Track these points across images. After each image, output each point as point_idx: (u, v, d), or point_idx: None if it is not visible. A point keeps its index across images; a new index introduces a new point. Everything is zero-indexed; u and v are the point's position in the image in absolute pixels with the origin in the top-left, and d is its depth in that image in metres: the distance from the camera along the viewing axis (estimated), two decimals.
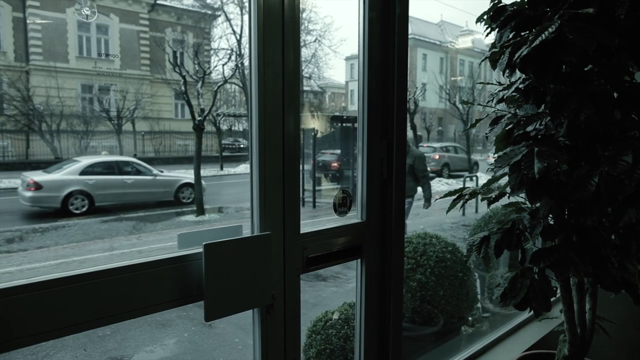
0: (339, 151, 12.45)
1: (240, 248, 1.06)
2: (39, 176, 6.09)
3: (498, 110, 1.44)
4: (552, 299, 1.36)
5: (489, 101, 1.48)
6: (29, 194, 5.82)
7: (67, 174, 6.25)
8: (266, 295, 1.13)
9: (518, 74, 1.31)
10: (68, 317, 0.86)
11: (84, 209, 6.08)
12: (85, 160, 6.86)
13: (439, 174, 16.32)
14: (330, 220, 1.37)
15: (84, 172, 6.32)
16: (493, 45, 1.39)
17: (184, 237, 1.20)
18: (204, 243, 0.99)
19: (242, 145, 15.83)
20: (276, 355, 1.19)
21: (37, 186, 5.91)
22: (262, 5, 1.06)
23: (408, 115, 14.78)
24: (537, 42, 1.10)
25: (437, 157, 16.86)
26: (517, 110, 1.39)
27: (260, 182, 1.11)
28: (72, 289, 0.86)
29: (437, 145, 18.18)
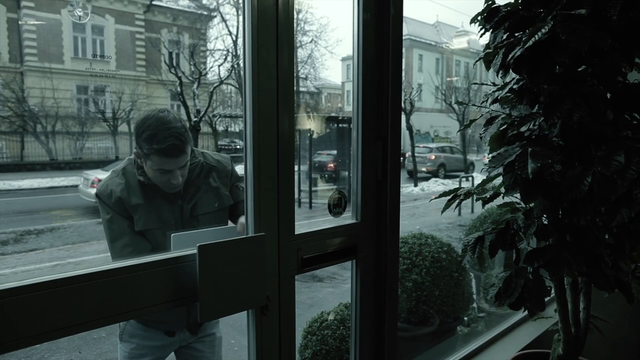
0: (335, 152, 12.47)
1: (235, 249, 1.06)
2: (101, 174, 6.50)
3: (492, 110, 1.44)
4: (547, 299, 1.36)
5: (483, 102, 1.49)
6: (93, 190, 6.23)
7: None
8: (261, 296, 1.12)
9: (512, 74, 1.31)
10: (62, 320, 0.86)
11: None
12: None
13: (435, 174, 16.39)
14: (326, 221, 1.37)
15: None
16: (487, 46, 1.39)
17: (179, 238, 1.20)
18: (197, 244, 0.99)
19: (238, 147, 15.83)
20: (271, 357, 1.19)
21: None
22: (256, 6, 1.06)
23: (404, 116, 14.79)
24: (530, 42, 1.10)
25: (433, 157, 16.92)
26: (511, 111, 1.39)
27: (255, 183, 1.11)
28: (66, 291, 0.86)
29: (433, 145, 18.24)
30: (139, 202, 1.52)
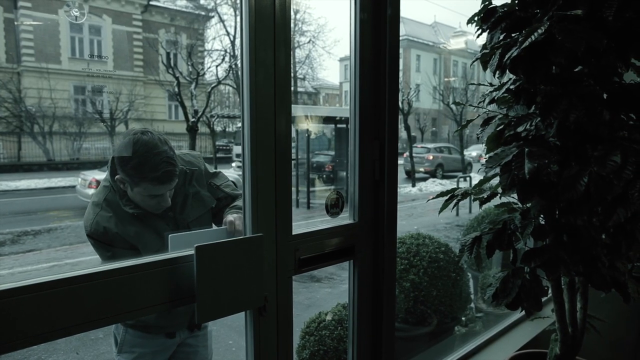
0: (332, 152, 12.47)
1: (232, 250, 1.06)
2: (99, 175, 6.63)
3: (489, 111, 1.44)
4: (544, 299, 1.36)
5: (480, 102, 1.49)
6: (91, 191, 6.30)
7: None
8: (258, 297, 1.12)
9: (509, 75, 1.31)
10: (59, 321, 0.86)
11: None
12: None
13: (433, 174, 16.41)
14: (323, 222, 1.37)
15: None
16: (484, 46, 1.39)
17: (176, 238, 1.19)
18: (195, 245, 0.99)
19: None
20: (269, 357, 1.19)
21: (98, 184, 6.61)
22: (253, 5, 1.06)
23: (402, 116, 14.77)
24: (526, 43, 1.11)
25: (431, 157, 16.94)
26: (508, 111, 1.39)
27: (252, 183, 1.11)
28: (64, 292, 0.85)
29: (431, 146, 18.26)
30: (137, 229, 1.44)
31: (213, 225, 1.63)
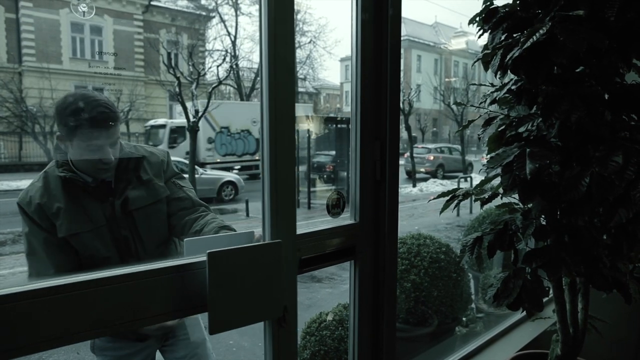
0: (333, 152, 12.47)
1: (248, 257, 1.01)
2: None
3: (491, 111, 1.44)
4: (545, 299, 1.36)
5: (481, 102, 1.49)
6: None
7: None
8: (277, 307, 1.08)
9: (510, 75, 1.31)
10: (64, 327, 0.83)
11: None
12: None
13: (434, 174, 16.42)
14: (324, 222, 1.37)
15: None
16: (485, 46, 1.39)
17: (192, 243, 1.11)
18: (207, 251, 0.94)
19: None
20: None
21: None
22: (272, 1, 1.04)
23: (403, 117, 14.77)
24: (528, 43, 1.10)
25: (431, 158, 16.95)
26: (510, 112, 1.39)
27: (272, 186, 1.07)
28: (68, 297, 0.83)
29: (431, 146, 18.28)
30: (60, 205, 1.36)
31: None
